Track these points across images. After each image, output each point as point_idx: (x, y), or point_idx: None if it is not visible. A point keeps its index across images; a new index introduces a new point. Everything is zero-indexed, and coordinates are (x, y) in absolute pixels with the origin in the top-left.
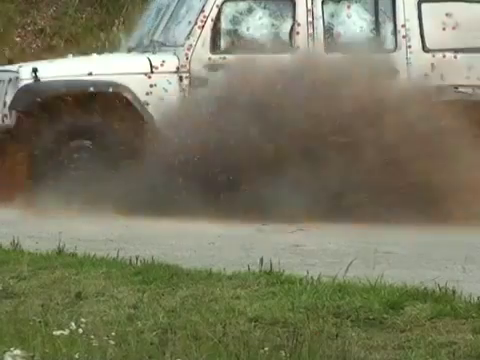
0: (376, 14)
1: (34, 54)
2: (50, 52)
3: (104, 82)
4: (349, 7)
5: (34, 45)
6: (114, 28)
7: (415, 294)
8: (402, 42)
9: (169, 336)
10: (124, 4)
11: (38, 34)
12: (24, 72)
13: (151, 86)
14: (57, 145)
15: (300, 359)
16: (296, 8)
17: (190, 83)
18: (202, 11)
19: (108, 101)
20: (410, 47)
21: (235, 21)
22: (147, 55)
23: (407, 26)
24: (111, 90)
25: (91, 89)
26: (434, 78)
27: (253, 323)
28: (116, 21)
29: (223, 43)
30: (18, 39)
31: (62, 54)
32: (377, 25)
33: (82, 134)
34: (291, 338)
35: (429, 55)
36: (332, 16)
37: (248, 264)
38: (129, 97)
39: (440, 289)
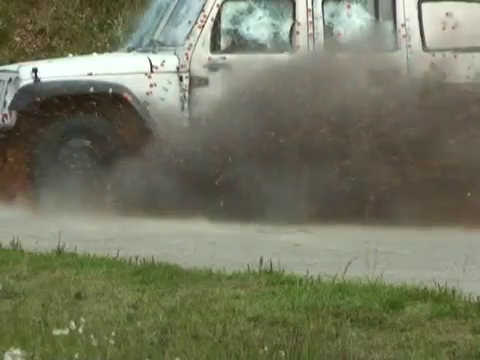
0: (376, 14)
1: (34, 54)
2: (50, 52)
3: (104, 83)
4: (349, 7)
5: (34, 45)
6: (114, 28)
7: (415, 294)
8: (402, 41)
9: (169, 336)
10: (124, 4)
11: (38, 34)
12: (24, 72)
13: (151, 86)
14: (57, 145)
15: (300, 359)
16: (296, 8)
17: (190, 83)
18: (202, 11)
19: (108, 101)
20: (410, 47)
21: (235, 21)
22: (147, 55)
23: (407, 25)
24: (111, 91)
25: (91, 89)
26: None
27: (253, 323)
28: (116, 21)
29: (223, 43)
30: (18, 39)
31: (62, 54)
32: (377, 25)
33: (82, 134)
34: (291, 338)
35: (429, 55)
36: (332, 16)
37: (248, 264)
38: (129, 97)
39: (440, 289)
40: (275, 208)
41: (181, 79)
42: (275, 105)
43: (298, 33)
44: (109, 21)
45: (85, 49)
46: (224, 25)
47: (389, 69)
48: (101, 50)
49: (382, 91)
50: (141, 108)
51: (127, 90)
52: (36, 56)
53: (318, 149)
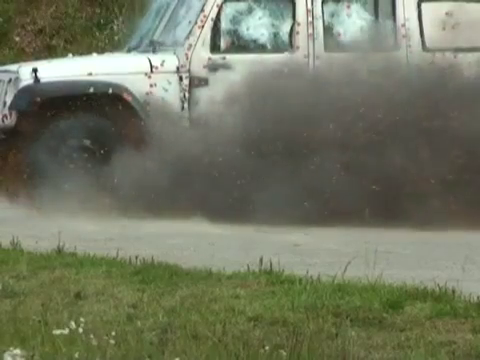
0: (376, 14)
1: (34, 54)
2: (50, 52)
3: (104, 83)
4: (349, 7)
5: (34, 45)
6: (114, 28)
7: (415, 294)
8: (402, 41)
9: (169, 336)
10: (124, 4)
11: (38, 34)
12: (24, 72)
13: (151, 86)
14: (57, 145)
15: (300, 358)
16: (296, 8)
17: (190, 83)
18: (202, 11)
19: (108, 101)
20: (410, 47)
21: (235, 21)
22: (147, 55)
23: (407, 25)
24: (111, 91)
25: (91, 89)
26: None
27: (253, 323)
28: (116, 21)
29: (223, 43)
30: (18, 39)
31: (62, 54)
32: (377, 25)
33: (82, 134)
34: (291, 338)
35: (429, 54)
36: (332, 16)
37: (248, 264)
38: (129, 98)
39: (440, 289)
40: (275, 208)
41: (181, 79)
42: (275, 105)
43: (298, 33)
44: (109, 21)
45: (85, 49)
46: (224, 25)
47: (389, 69)
48: (101, 50)
49: (381, 91)
50: (141, 108)
51: (127, 90)
52: (36, 56)
53: (318, 149)
